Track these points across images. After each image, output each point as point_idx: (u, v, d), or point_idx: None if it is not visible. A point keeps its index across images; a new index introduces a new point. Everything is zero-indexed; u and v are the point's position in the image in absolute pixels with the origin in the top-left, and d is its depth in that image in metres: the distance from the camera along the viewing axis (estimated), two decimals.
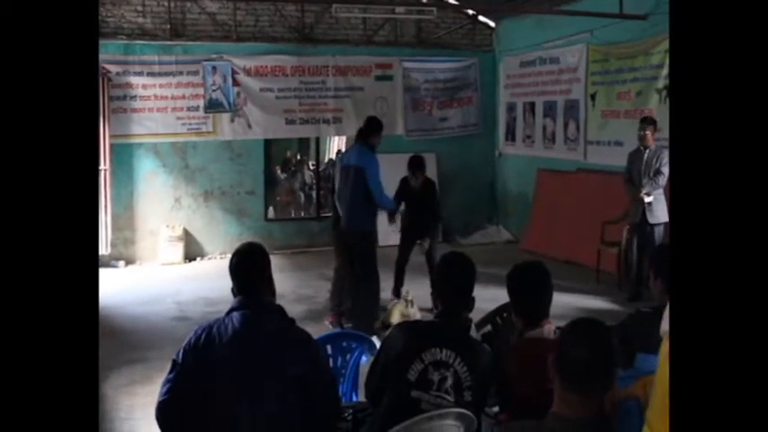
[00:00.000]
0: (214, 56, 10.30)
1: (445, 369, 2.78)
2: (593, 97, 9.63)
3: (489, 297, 3.72)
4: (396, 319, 6.50)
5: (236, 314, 2.73)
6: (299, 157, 13.58)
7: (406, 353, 2.83)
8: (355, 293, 6.64)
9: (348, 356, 3.95)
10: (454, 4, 10.97)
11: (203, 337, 2.68)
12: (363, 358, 3.94)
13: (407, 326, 3.17)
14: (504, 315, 3.91)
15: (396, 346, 2.89)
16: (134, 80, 9.93)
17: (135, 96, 9.95)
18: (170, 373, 2.70)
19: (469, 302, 2.98)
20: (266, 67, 10.55)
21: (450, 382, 2.78)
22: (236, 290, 2.84)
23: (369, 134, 6.72)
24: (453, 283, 3.00)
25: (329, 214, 11.71)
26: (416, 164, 7.42)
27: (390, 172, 11.16)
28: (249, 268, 2.87)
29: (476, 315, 3.23)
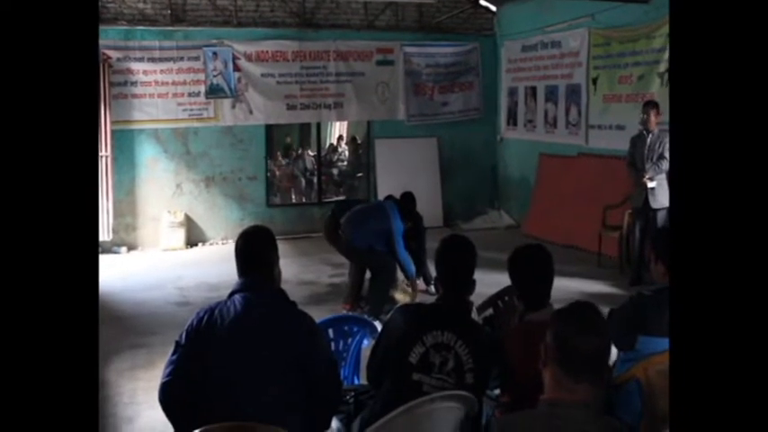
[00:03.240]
0: (215, 41, 10.26)
1: (446, 352, 2.79)
2: (594, 81, 9.59)
3: (491, 281, 3.72)
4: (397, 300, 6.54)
5: (237, 297, 2.74)
6: (299, 149, 13.54)
7: (408, 336, 2.84)
8: (372, 282, 6.88)
9: (350, 340, 3.97)
10: None
11: (205, 319, 2.70)
12: (365, 342, 3.97)
13: (409, 309, 3.18)
14: (506, 298, 3.92)
15: (397, 329, 2.91)
16: (135, 66, 9.89)
17: (136, 82, 9.92)
18: (173, 354, 2.72)
19: (470, 285, 2.99)
20: (267, 52, 10.52)
21: (451, 364, 2.79)
22: (239, 272, 2.85)
23: (407, 204, 7.06)
24: (454, 265, 3.01)
25: (330, 200, 11.78)
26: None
27: (391, 158, 11.27)
28: (252, 251, 2.88)
29: (477, 300, 3.24)
